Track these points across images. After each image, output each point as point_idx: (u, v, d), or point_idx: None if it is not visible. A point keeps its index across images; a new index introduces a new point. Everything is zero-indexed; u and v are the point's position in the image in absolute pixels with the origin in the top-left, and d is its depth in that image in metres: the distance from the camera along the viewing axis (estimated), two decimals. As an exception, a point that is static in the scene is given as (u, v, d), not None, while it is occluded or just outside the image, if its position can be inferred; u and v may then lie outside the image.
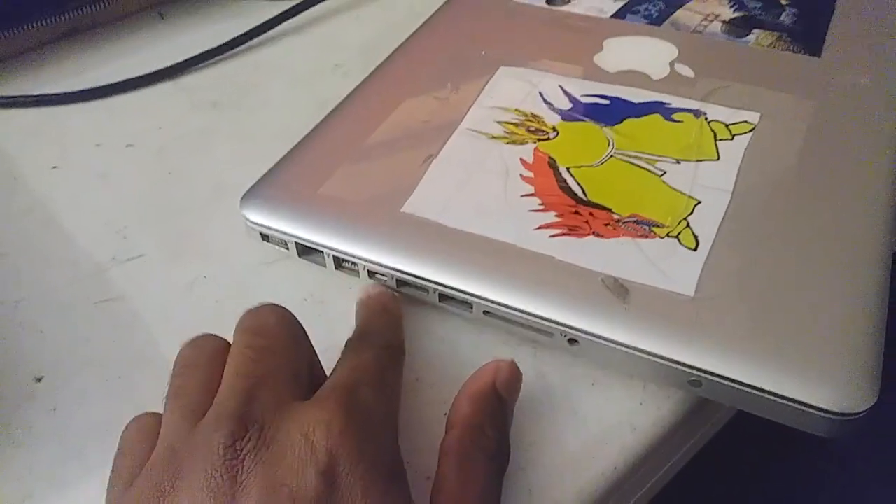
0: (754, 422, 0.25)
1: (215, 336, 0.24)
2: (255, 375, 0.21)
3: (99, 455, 0.25)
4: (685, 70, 0.35)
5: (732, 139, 0.32)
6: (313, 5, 0.45)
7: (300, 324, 0.24)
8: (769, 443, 0.46)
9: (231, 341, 0.23)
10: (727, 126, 0.32)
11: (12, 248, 0.32)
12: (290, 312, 0.24)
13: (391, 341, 0.25)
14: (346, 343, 0.25)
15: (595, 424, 0.26)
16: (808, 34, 0.38)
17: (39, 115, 0.39)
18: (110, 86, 0.40)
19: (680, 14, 0.39)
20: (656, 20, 0.39)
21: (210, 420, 0.20)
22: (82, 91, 0.40)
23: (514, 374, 0.25)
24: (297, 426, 0.20)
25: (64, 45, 0.44)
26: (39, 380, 0.27)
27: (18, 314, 0.30)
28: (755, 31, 0.38)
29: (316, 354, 0.25)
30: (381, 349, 0.24)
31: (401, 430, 0.23)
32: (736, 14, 0.39)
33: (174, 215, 0.34)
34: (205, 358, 0.23)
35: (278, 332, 0.23)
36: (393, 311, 0.27)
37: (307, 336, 0.24)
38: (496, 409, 0.24)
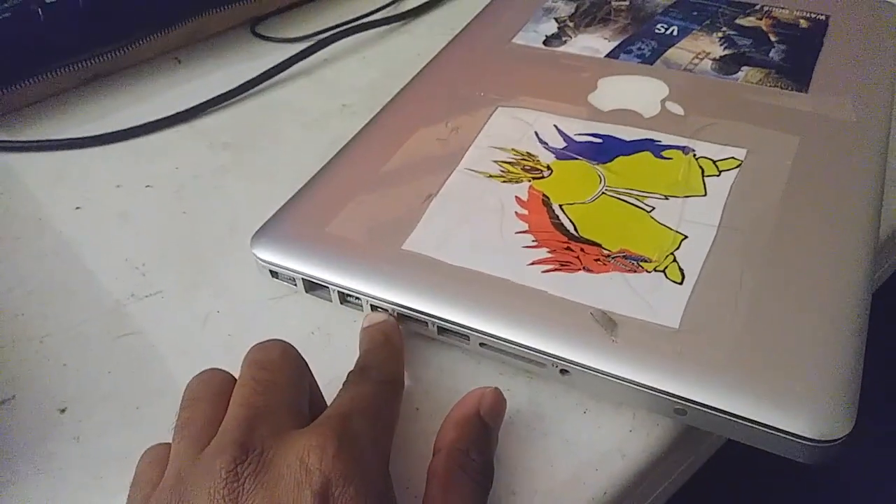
0: (745, 450, 0.27)
1: (221, 371, 0.26)
2: (257, 406, 0.23)
3: (118, 482, 0.27)
4: (675, 108, 0.37)
5: (719, 175, 0.33)
6: (322, 48, 0.48)
7: (302, 358, 0.26)
8: (761, 470, 0.47)
9: (237, 375, 0.25)
10: (714, 162, 0.34)
11: (38, 285, 0.34)
12: (293, 348, 0.26)
13: (389, 375, 0.27)
14: (348, 375, 0.26)
15: (586, 451, 0.27)
16: (796, 70, 0.39)
17: (63, 157, 0.42)
18: (130, 129, 0.42)
19: (672, 53, 0.41)
20: (649, 59, 0.41)
21: (214, 447, 0.22)
22: (104, 135, 0.42)
23: (498, 401, 0.26)
24: (294, 451, 0.21)
25: (86, 90, 0.46)
26: (63, 411, 0.29)
27: (44, 348, 0.31)
28: (744, 68, 0.40)
29: (317, 386, 0.26)
30: (379, 384, 0.26)
31: (401, 456, 0.25)
32: (726, 52, 0.41)
33: (190, 253, 0.35)
34: (211, 392, 0.24)
35: (281, 365, 0.25)
36: (394, 342, 0.28)
37: (309, 369, 0.26)
38: (480, 433, 0.25)
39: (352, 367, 0.29)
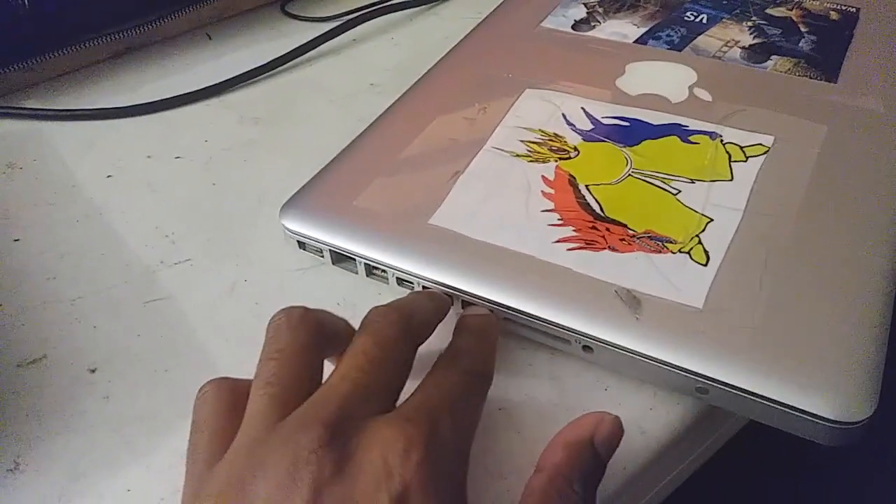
0: (766, 431, 0.27)
1: (311, 318, 0.24)
2: (360, 384, 0.22)
3: (146, 441, 0.27)
4: (703, 94, 0.37)
5: (746, 161, 0.33)
6: (351, 28, 0.48)
7: (415, 342, 0.25)
8: (782, 453, 0.47)
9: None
10: (742, 148, 0.34)
11: (70, 249, 0.35)
12: (411, 327, 0.25)
13: (481, 368, 0.26)
14: (438, 359, 0.25)
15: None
16: (826, 61, 0.39)
17: (96, 127, 0.42)
18: (161, 101, 0.43)
19: (701, 40, 0.41)
20: (677, 46, 0.41)
21: (301, 418, 0.21)
22: (136, 106, 0.43)
23: (616, 432, 0.24)
24: (379, 446, 0.20)
25: (120, 62, 0.47)
26: (93, 371, 0.30)
27: (75, 310, 0.32)
28: (773, 57, 0.40)
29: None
30: (469, 375, 0.25)
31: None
32: (755, 41, 0.41)
33: (218, 223, 0.36)
34: (301, 345, 0.23)
35: (396, 345, 0.24)
36: (490, 338, 0.27)
37: (415, 354, 0.25)
38: (588, 463, 0.23)
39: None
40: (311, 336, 0.24)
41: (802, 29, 0.42)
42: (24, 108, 0.43)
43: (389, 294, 0.31)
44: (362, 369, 0.22)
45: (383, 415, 0.22)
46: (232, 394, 0.23)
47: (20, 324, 0.31)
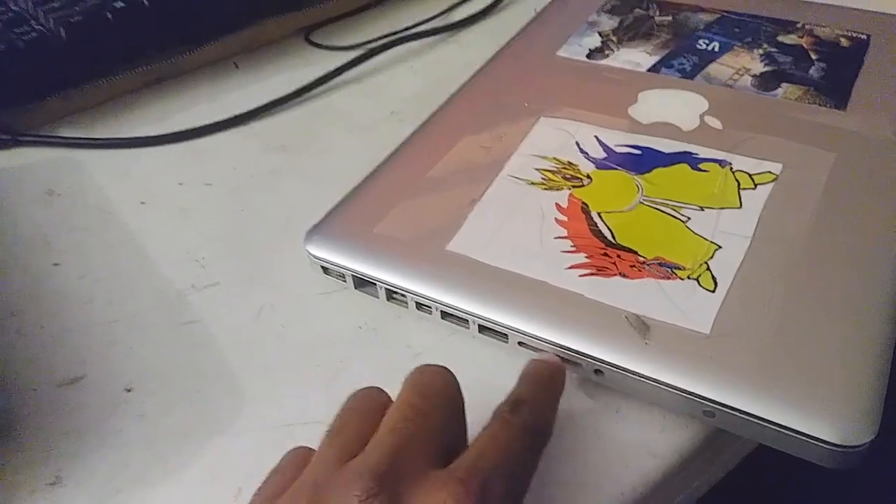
0: (776, 454, 0.28)
1: (382, 390, 0.26)
2: (405, 434, 0.23)
3: (179, 458, 0.29)
4: (714, 122, 0.38)
5: (755, 188, 0.34)
6: (373, 57, 0.50)
7: (461, 392, 0.25)
8: (792, 475, 0.47)
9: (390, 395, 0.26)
10: (751, 176, 0.35)
11: (107, 274, 0.37)
12: (455, 379, 0.25)
13: (541, 425, 0.26)
14: (498, 409, 0.26)
15: (617, 448, 0.28)
16: (835, 88, 0.40)
17: (130, 155, 0.44)
18: (192, 130, 0.45)
19: (712, 68, 0.42)
20: (689, 74, 0.42)
21: (355, 467, 0.22)
22: (167, 135, 0.45)
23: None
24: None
25: (152, 92, 0.49)
26: (129, 390, 0.31)
27: (112, 333, 0.34)
28: (783, 84, 0.41)
29: (465, 422, 0.26)
30: (527, 431, 0.25)
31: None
32: (766, 68, 0.42)
33: (246, 248, 0.38)
34: (367, 406, 0.25)
35: (440, 395, 0.24)
36: (555, 389, 0.28)
37: (464, 405, 0.25)
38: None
39: (398, 360, 0.31)
40: (379, 404, 0.25)
41: (813, 56, 0.43)
42: (63, 137, 0.45)
43: (409, 318, 0.33)
44: (408, 418, 0.23)
45: (436, 470, 0.22)
46: (311, 455, 0.25)
47: (60, 345, 0.33)
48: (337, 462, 0.23)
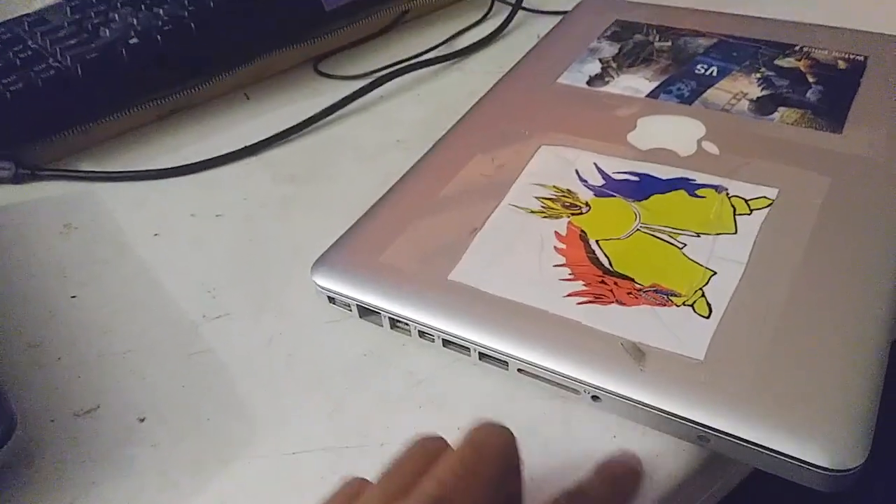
0: (774, 477, 0.28)
1: (442, 438, 0.26)
2: (449, 488, 0.22)
3: (191, 486, 0.30)
4: (711, 147, 0.39)
5: (751, 214, 0.35)
6: (380, 86, 0.51)
7: (519, 455, 0.25)
8: (790, 499, 0.47)
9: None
10: (746, 201, 0.35)
11: (122, 305, 0.38)
12: (514, 441, 0.25)
13: None
14: (556, 498, 0.25)
15: (614, 473, 0.29)
16: (832, 111, 0.40)
17: (143, 187, 0.46)
18: (203, 161, 0.46)
19: (710, 93, 0.43)
20: (687, 99, 0.43)
21: None
22: (180, 167, 0.46)
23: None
24: None
25: (165, 124, 0.51)
26: (142, 420, 0.33)
27: (126, 362, 0.35)
28: (781, 108, 0.41)
29: (521, 486, 0.26)
30: None
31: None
32: (763, 92, 0.43)
33: (256, 277, 0.39)
34: (423, 452, 0.25)
35: (495, 455, 0.24)
36: (625, 491, 0.27)
37: (521, 467, 0.25)
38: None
39: (404, 389, 0.32)
40: (436, 452, 0.25)
41: (810, 79, 0.43)
42: (79, 171, 0.47)
43: (413, 346, 0.34)
44: (455, 473, 0.23)
45: None
46: (363, 484, 0.25)
47: (77, 376, 0.34)
48: (381, 502, 0.23)
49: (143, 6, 0.52)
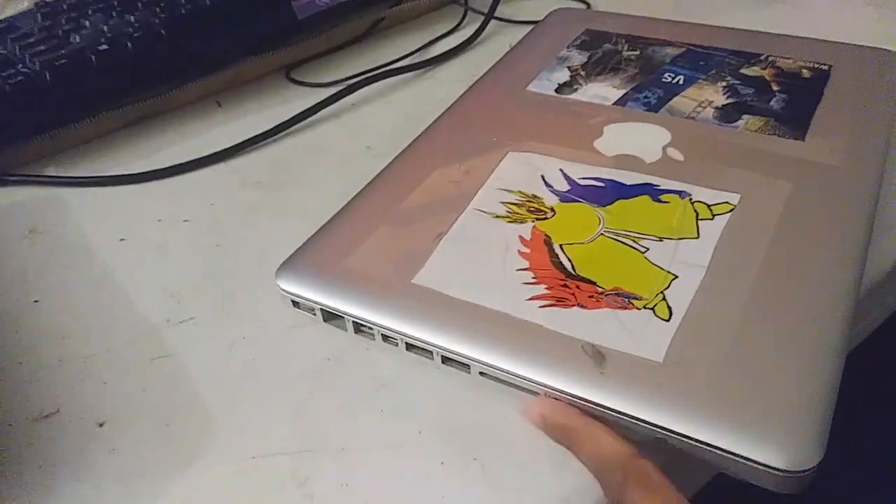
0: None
1: None
2: None
3: (150, 491, 0.30)
4: (676, 154, 0.39)
5: (713, 219, 0.35)
6: (351, 93, 0.51)
7: None
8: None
9: None
10: (709, 206, 0.36)
11: (85, 310, 0.37)
12: None
13: None
14: None
15: (578, 473, 0.29)
16: (795, 119, 0.41)
17: (110, 193, 0.45)
18: (171, 167, 0.46)
19: (676, 101, 0.43)
20: (654, 107, 0.43)
21: None
22: (147, 172, 0.46)
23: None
24: None
25: (135, 130, 0.50)
26: (102, 424, 0.32)
27: (87, 367, 0.35)
28: (745, 116, 0.42)
29: None
30: None
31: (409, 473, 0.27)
32: (728, 100, 0.43)
33: (221, 283, 0.39)
34: None
35: None
36: None
37: None
38: None
39: (364, 392, 0.32)
40: None
41: (774, 88, 0.44)
42: (46, 176, 0.47)
43: (376, 350, 0.34)
44: None
45: None
46: None
47: (37, 380, 0.34)
48: None
49: (114, 13, 0.52)
